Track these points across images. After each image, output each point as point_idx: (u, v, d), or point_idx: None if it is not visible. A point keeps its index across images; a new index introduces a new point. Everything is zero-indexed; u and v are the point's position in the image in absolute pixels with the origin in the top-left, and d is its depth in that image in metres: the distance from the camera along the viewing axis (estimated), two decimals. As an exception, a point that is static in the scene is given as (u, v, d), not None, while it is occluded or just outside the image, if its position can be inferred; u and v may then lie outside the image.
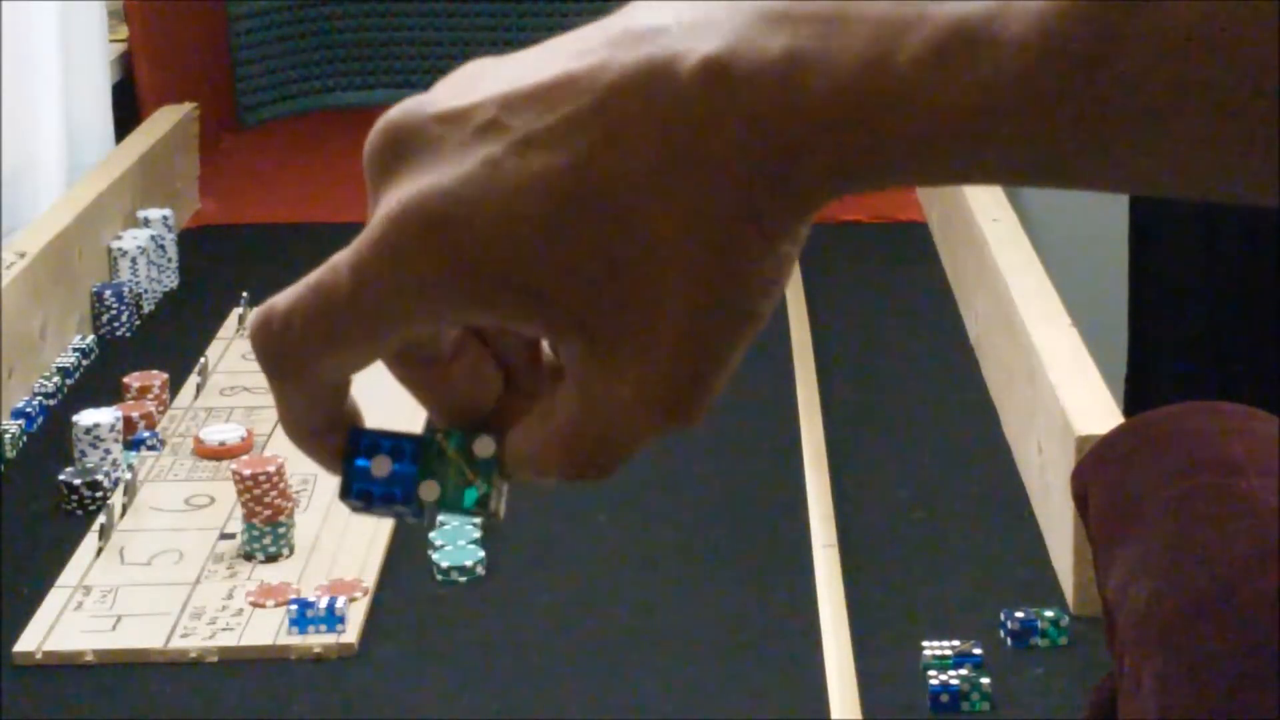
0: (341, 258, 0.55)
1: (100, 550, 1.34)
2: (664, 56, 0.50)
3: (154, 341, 1.79)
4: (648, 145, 0.50)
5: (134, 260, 1.86)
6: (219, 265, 2.01)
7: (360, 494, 0.58)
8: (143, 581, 1.30)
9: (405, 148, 0.54)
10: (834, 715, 1.12)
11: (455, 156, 0.52)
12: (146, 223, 1.94)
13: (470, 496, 0.58)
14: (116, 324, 1.79)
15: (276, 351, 0.55)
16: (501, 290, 0.52)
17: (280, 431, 1.54)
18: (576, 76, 0.52)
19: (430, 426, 0.60)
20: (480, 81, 0.54)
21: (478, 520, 1.36)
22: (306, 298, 0.55)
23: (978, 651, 1.17)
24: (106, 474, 1.43)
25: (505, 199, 0.51)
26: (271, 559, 1.32)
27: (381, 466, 0.58)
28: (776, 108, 0.49)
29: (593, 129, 0.50)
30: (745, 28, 0.49)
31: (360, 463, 0.58)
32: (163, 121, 2.18)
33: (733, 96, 0.49)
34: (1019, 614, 1.20)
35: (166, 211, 1.97)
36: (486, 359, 0.58)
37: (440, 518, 1.36)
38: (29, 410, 1.57)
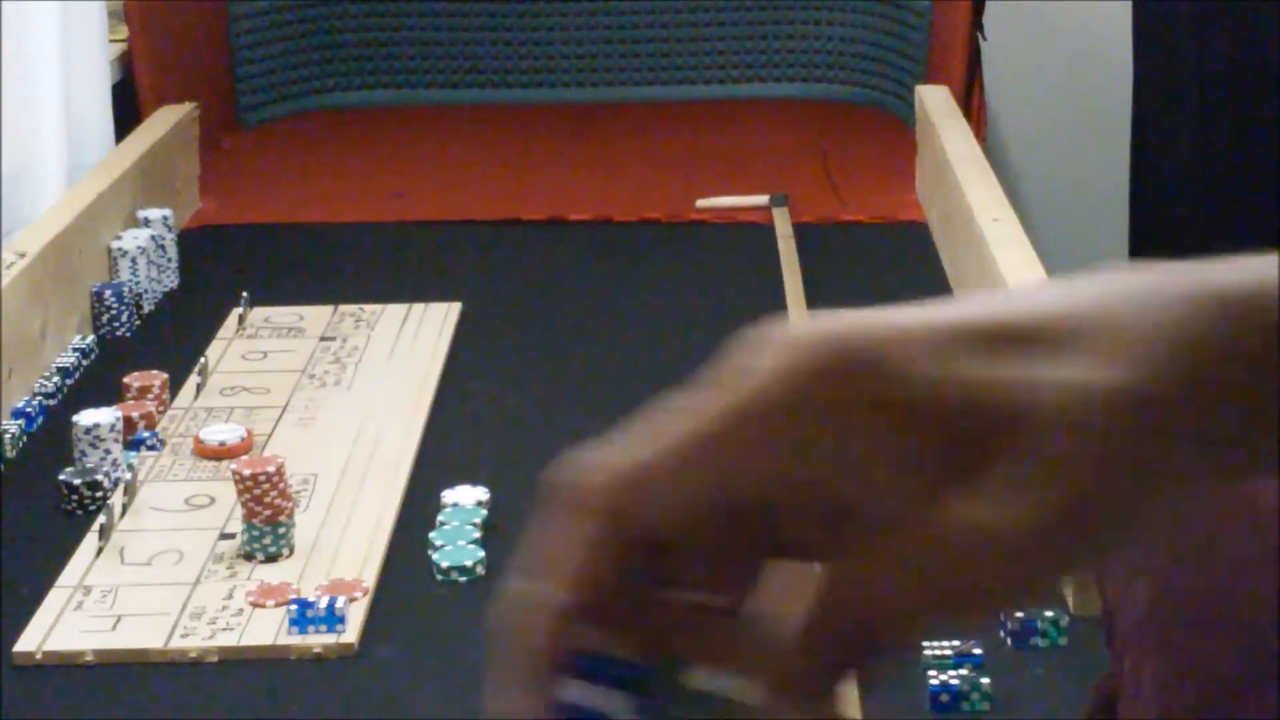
0: None
1: (100, 550, 1.34)
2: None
3: (154, 341, 1.79)
4: None
5: (134, 260, 1.86)
6: (219, 265, 2.01)
7: None
8: (143, 581, 1.30)
9: None
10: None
11: None
12: (146, 223, 1.94)
13: None
14: (116, 324, 1.79)
15: None
16: None
17: (280, 431, 1.55)
18: None
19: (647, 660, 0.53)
20: None
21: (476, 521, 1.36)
22: None
23: (978, 651, 1.17)
24: (106, 474, 1.43)
25: None
26: (271, 559, 1.32)
27: (589, 694, 0.52)
28: None
29: None
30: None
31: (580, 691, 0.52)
32: (163, 121, 2.18)
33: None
34: (1019, 614, 1.20)
35: (166, 211, 1.97)
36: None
37: (441, 517, 1.36)
38: (29, 410, 1.57)
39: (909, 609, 0.49)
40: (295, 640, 1.21)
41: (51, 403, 1.61)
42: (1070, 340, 0.48)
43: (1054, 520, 0.47)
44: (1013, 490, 0.47)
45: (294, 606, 1.22)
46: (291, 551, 1.33)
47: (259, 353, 1.73)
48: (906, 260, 1.99)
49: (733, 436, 0.49)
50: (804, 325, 0.49)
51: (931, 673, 1.14)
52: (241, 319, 1.80)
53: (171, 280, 1.93)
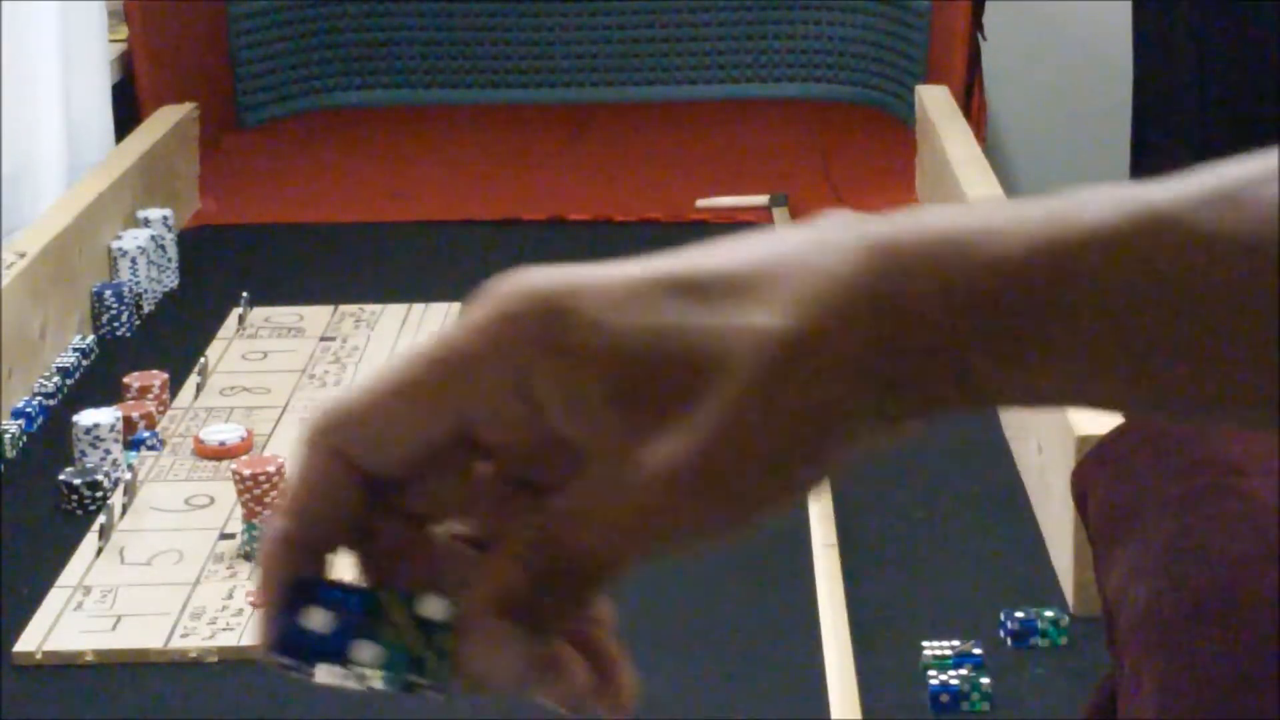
0: None
1: (100, 550, 1.34)
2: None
3: (154, 341, 1.79)
4: None
5: (134, 260, 1.86)
6: (219, 265, 2.01)
7: (291, 646, 0.53)
8: (143, 581, 1.30)
9: None
10: (834, 715, 1.12)
11: None
12: (146, 223, 1.94)
13: (411, 661, 0.53)
14: (116, 324, 1.79)
15: None
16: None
17: (280, 431, 1.54)
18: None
19: (375, 585, 0.56)
20: None
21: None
22: None
23: (978, 651, 1.17)
24: (106, 474, 1.43)
25: None
26: (271, 559, 1.32)
27: (317, 619, 0.54)
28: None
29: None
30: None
31: (297, 613, 0.54)
32: (163, 121, 2.18)
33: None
34: (1019, 614, 1.20)
35: (166, 211, 1.97)
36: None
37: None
38: (29, 410, 1.57)
39: (606, 540, 0.52)
40: (295, 640, 1.21)
41: (51, 403, 1.61)
42: (752, 289, 0.52)
43: (718, 450, 0.51)
44: (692, 426, 0.51)
45: (294, 606, 1.22)
46: (291, 551, 1.33)
47: (259, 353, 1.73)
48: (906, 260, 1.99)
49: (431, 379, 0.53)
50: (513, 279, 0.53)
51: (931, 673, 1.14)
52: (241, 319, 1.80)
53: (171, 280, 1.93)
